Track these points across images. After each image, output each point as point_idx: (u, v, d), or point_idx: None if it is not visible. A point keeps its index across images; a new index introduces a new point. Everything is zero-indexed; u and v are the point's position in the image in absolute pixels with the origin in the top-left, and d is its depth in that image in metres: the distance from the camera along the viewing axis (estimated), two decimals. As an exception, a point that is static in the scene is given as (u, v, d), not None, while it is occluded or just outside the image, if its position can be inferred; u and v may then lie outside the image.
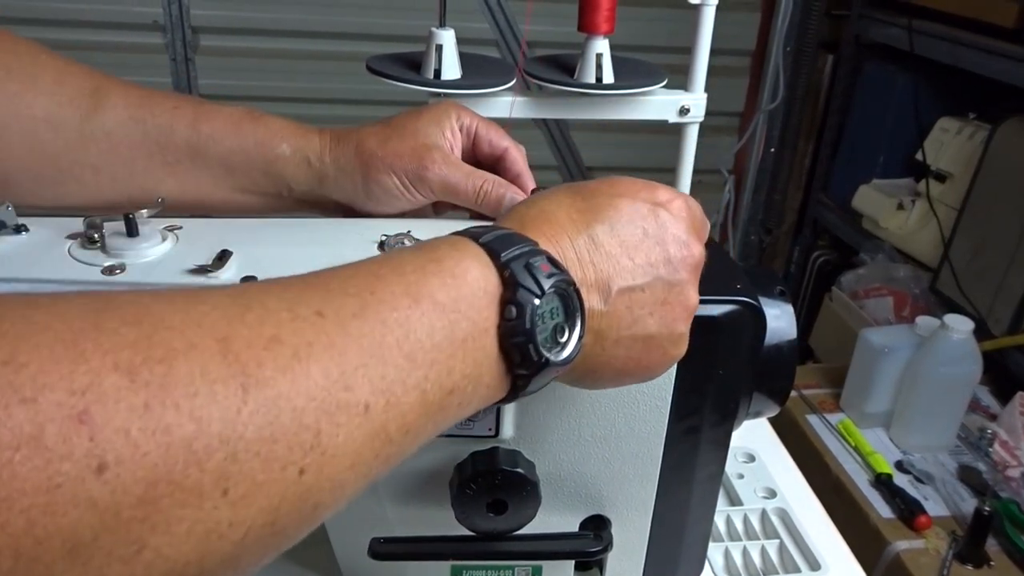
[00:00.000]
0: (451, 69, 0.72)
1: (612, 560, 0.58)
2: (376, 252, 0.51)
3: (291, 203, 0.57)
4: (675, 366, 0.49)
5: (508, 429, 0.50)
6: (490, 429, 0.50)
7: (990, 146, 1.71)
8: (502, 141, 0.58)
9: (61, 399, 0.22)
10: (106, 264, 0.49)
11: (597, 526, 0.55)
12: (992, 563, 1.22)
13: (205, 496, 0.24)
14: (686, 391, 0.50)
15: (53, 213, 0.54)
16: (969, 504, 1.32)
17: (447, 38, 0.71)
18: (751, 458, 0.80)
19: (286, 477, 0.26)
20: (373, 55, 0.75)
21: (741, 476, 0.77)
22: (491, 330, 0.34)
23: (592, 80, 0.73)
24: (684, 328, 0.41)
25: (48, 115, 0.51)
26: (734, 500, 0.75)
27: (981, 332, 1.51)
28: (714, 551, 0.69)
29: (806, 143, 2.35)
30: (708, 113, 0.78)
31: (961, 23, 1.74)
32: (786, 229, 2.45)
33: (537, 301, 0.34)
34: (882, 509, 1.33)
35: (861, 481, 1.39)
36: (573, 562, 0.59)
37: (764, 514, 0.73)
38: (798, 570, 0.67)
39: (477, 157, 0.59)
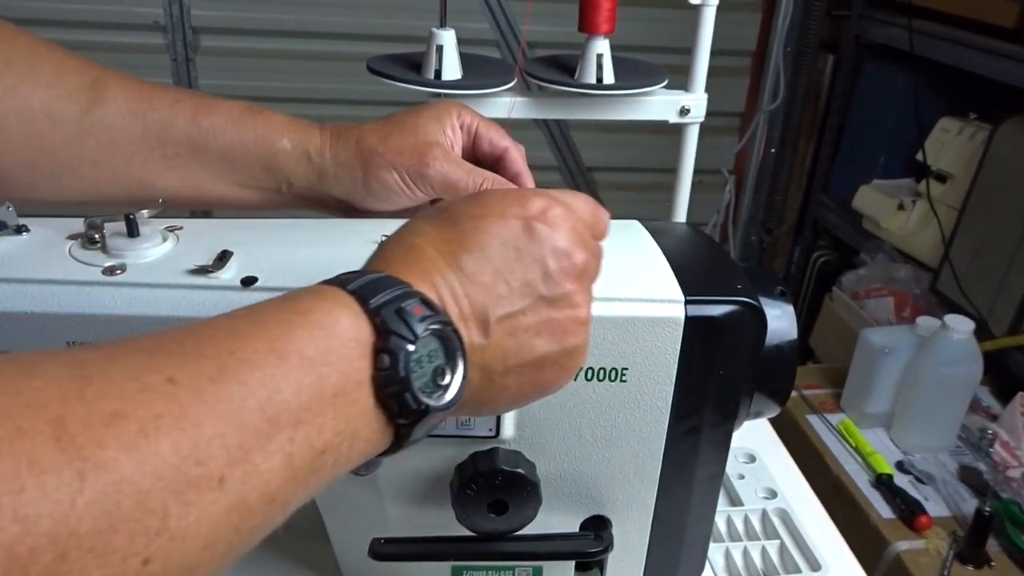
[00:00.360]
0: (451, 69, 0.72)
1: (613, 560, 0.58)
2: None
3: (291, 199, 0.57)
4: (676, 366, 0.49)
5: (509, 429, 0.50)
6: (490, 429, 0.50)
7: (991, 146, 1.71)
8: (502, 140, 0.58)
9: None
10: (106, 264, 0.49)
11: (598, 526, 0.55)
12: (993, 563, 1.22)
13: None
14: (687, 391, 0.50)
15: (51, 210, 0.54)
16: (970, 504, 1.32)
17: (447, 38, 0.71)
18: (752, 458, 0.80)
19: (127, 569, 0.24)
20: (373, 55, 0.75)
21: (742, 476, 0.77)
22: (365, 382, 0.32)
23: (592, 80, 0.73)
24: (578, 339, 0.39)
25: (47, 108, 0.50)
26: (735, 500, 0.75)
27: (982, 332, 1.51)
28: (715, 551, 0.69)
29: (807, 143, 2.35)
30: (708, 113, 0.78)
31: (961, 23, 1.74)
32: (786, 229, 2.45)
33: (411, 347, 0.32)
34: (883, 509, 1.33)
35: (862, 481, 1.39)
36: (573, 563, 0.59)
37: (765, 514, 0.73)
38: (799, 570, 0.67)
39: (477, 156, 0.59)
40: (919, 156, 1.91)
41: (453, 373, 0.34)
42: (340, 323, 0.32)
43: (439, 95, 0.72)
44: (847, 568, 0.68)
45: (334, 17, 2.07)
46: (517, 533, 0.52)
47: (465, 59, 0.73)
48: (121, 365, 0.27)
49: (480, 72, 0.74)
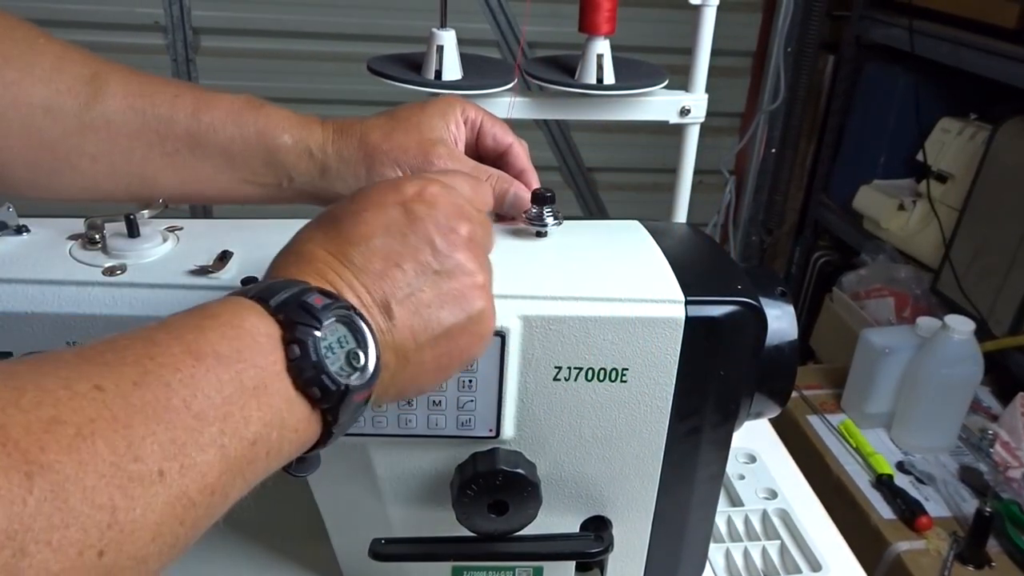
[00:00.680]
0: (452, 70, 0.72)
1: (613, 561, 0.58)
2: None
3: (292, 194, 0.57)
4: (676, 367, 0.49)
5: (509, 430, 0.50)
6: (491, 430, 0.50)
7: (991, 147, 1.71)
8: (506, 137, 0.58)
9: None
10: (107, 265, 0.49)
11: (598, 527, 0.55)
12: (993, 564, 1.22)
13: None
14: (687, 392, 0.50)
15: (52, 211, 0.54)
16: (970, 505, 1.32)
17: (448, 39, 0.71)
18: (752, 459, 0.80)
19: (84, 562, 0.25)
20: (374, 56, 0.75)
21: (742, 477, 0.77)
22: (281, 373, 0.33)
23: (593, 81, 0.73)
24: (480, 303, 0.40)
25: (46, 103, 0.50)
26: (735, 501, 0.75)
27: (982, 333, 1.51)
28: (715, 552, 0.69)
29: (807, 144, 2.35)
30: (709, 114, 0.78)
31: (962, 24, 1.74)
32: (787, 230, 2.45)
33: (318, 333, 0.33)
34: (883, 510, 1.33)
35: (862, 482, 1.39)
36: (574, 563, 0.59)
37: (765, 515, 0.73)
38: (799, 571, 0.67)
39: (480, 152, 0.58)
40: (919, 156, 1.91)
41: (366, 354, 0.36)
42: (247, 322, 0.33)
43: (439, 95, 0.72)
44: (847, 568, 0.68)
45: (334, 17, 2.07)
46: (517, 533, 0.52)
47: (465, 59, 0.74)
48: (51, 376, 0.28)
49: (480, 72, 0.74)
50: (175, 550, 0.29)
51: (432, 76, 0.71)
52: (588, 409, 0.50)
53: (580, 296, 0.48)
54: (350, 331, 0.35)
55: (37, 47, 0.50)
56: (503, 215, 0.56)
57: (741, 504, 0.74)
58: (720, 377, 0.50)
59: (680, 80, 0.78)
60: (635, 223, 0.58)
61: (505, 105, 0.74)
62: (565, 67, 0.76)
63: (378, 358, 0.36)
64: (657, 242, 0.55)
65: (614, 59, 0.73)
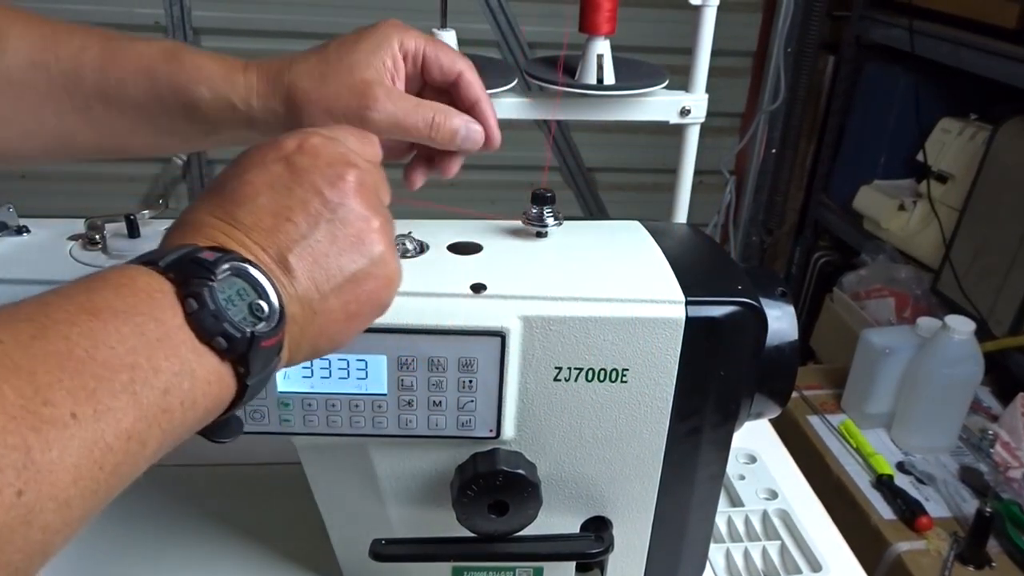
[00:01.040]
0: (452, 70, 0.72)
1: (613, 561, 0.58)
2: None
3: (226, 141, 0.54)
4: (676, 367, 0.49)
5: (509, 430, 0.50)
6: (491, 431, 0.50)
7: (991, 147, 1.71)
8: (455, 64, 0.54)
9: None
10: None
11: (598, 527, 0.55)
12: (993, 564, 1.22)
13: None
14: (687, 392, 0.50)
15: (51, 209, 0.54)
16: (970, 505, 1.32)
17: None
18: (752, 459, 0.80)
19: (4, 500, 0.26)
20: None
21: (742, 477, 0.77)
22: (183, 327, 0.33)
23: (593, 81, 0.73)
24: (381, 246, 0.40)
25: None
26: (735, 501, 0.75)
27: (982, 333, 1.51)
28: (715, 552, 0.69)
29: (807, 144, 2.35)
30: (709, 114, 0.78)
31: (962, 24, 1.74)
32: (787, 230, 2.44)
33: (212, 283, 0.33)
34: (883, 510, 1.33)
35: (862, 482, 1.39)
36: (574, 563, 0.59)
37: (765, 515, 0.73)
38: (799, 571, 0.67)
39: (427, 84, 0.55)
40: (920, 157, 1.91)
41: (269, 304, 0.35)
42: (138, 281, 0.33)
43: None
44: (848, 569, 0.68)
45: (335, 18, 2.07)
46: (518, 534, 0.52)
47: (466, 60, 0.73)
48: None
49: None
50: (97, 496, 0.30)
51: (432, 76, 0.71)
52: (588, 409, 0.50)
53: (580, 296, 0.48)
54: (248, 284, 0.35)
55: None
56: (458, 151, 0.54)
57: (741, 504, 0.74)
58: (720, 377, 0.50)
59: (680, 80, 0.78)
60: (635, 223, 0.58)
61: (505, 105, 0.74)
62: (565, 67, 0.76)
63: (282, 307, 0.36)
64: (657, 242, 0.55)
65: (614, 59, 0.73)
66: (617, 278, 0.50)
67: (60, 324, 0.30)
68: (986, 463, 1.39)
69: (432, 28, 0.71)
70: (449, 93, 0.55)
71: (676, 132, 0.80)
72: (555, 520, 0.55)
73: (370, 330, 0.46)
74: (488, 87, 0.72)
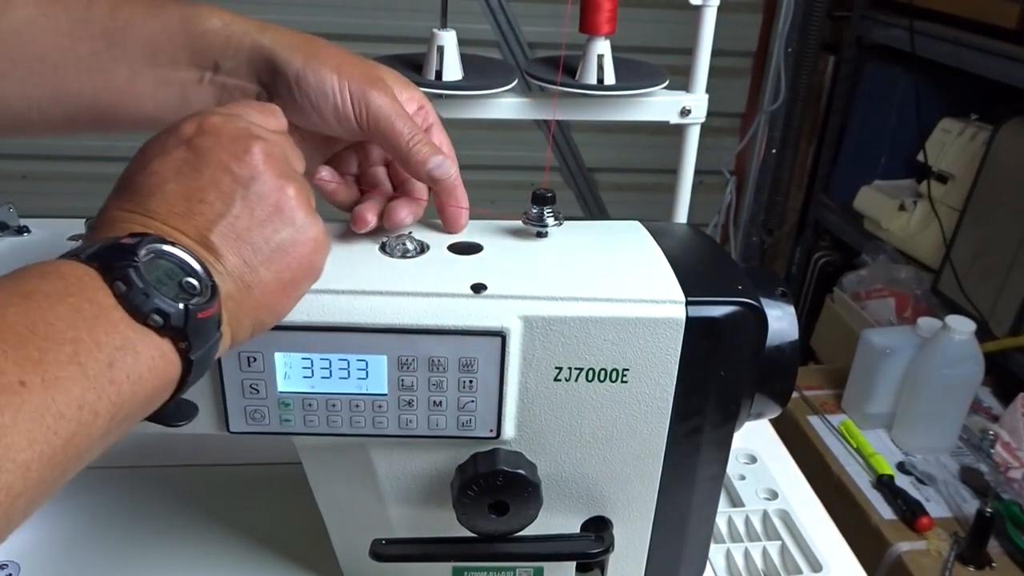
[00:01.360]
0: (453, 70, 0.72)
1: (613, 561, 0.58)
2: (378, 253, 0.51)
3: (208, 97, 0.51)
4: (677, 367, 0.49)
5: (510, 430, 0.50)
6: (491, 431, 0.50)
7: (992, 147, 1.71)
8: (445, 150, 0.55)
9: None
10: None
11: (599, 527, 0.55)
12: (994, 564, 1.22)
13: None
14: (688, 392, 0.50)
15: (51, 209, 0.54)
16: (971, 505, 1.32)
17: (449, 39, 0.71)
18: (752, 459, 0.80)
19: None
20: (375, 56, 0.75)
21: (743, 477, 0.77)
22: (117, 307, 0.33)
23: (593, 81, 0.73)
24: (301, 212, 0.41)
25: None
26: (736, 501, 0.75)
27: (983, 333, 1.51)
28: (716, 552, 0.69)
29: (807, 144, 2.35)
30: (709, 114, 0.78)
31: (962, 24, 1.74)
32: (787, 230, 2.44)
33: (137, 264, 0.34)
34: (884, 510, 1.33)
35: (863, 482, 1.39)
36: (574, 563, 0.59)
37: (766, 515, 0.73)
38: (800, 571, 0.67)
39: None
40: (920, 157, 1.91)
41: (199, 279, 0.36)
42: (63, 269, 0.34)
43: (441, 96, 0.72)
44: (848, 569, 0.68)
45: (335, 18, 2.07)
46: (518, 534, 0.52)
47: (466, 60, 0.74)
48: None
49: (481, 73, 0.74)
50: (55, 463, 0.31)
51: (433, 77, 0.71)
52: (589, 409, 0.50)
53: (581, 296, 0.48)
54: (174, 264, 0.36)
55: None
56: (411, 195, 0.53)
57: (742, 504, 0.74)
58: (721, 377, 0.50)
59: (681, 80, 0.78)
60: (636, 223, 0.58)
61: (506, 105, 0.74)
62: (566, 67, 0.76)
63: (213, 281, 0.37)
64: (658, 242, 0.55)
65: (615, 59, 0.73)
66: (617, 278, 0.50)
67: None
68: (986, 463, 1.39)
69: (432, 28, 0.71)
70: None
71: (676, 132, 0.80)
72: (555, 520, 0.55)
73: (370, 330, 0.47)
74: (488, 87, 0.73)
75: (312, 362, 0.47)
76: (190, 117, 0.41)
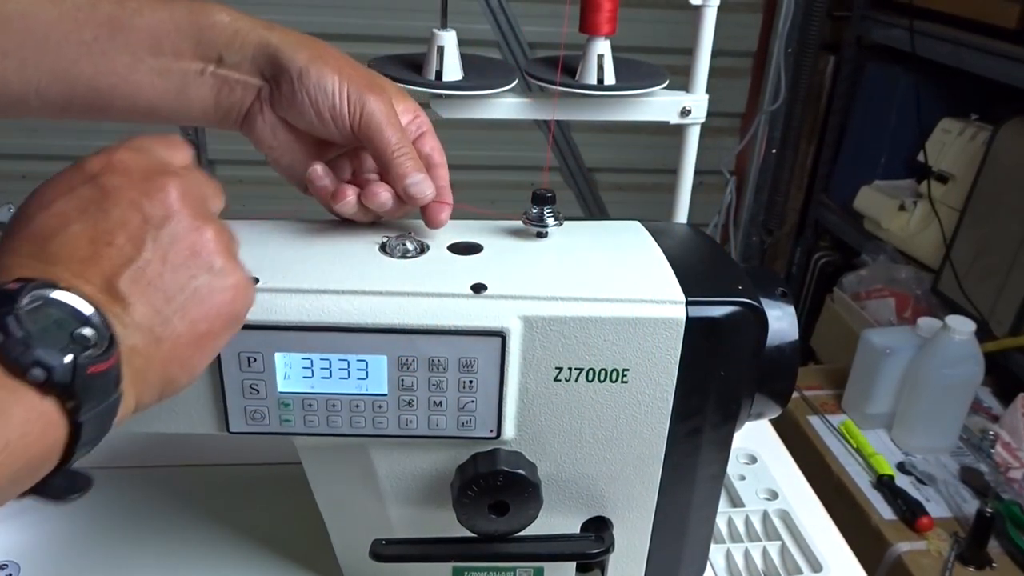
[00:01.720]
0: (453, 70, 0.72)
1: (614, 561, 0.58)
2: (378, 254, 0.51)
3: (208, 90, 0.51)
4: (677, 367, 0.49)
5: (510, 431, 0.50)
6: (492, 431, 0.50)
7: (992, 147, 1.71)
8: (438, 158, 0.56)
9: None
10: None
11: (599, 527, 0.55)
12: (994, 564, 1.22)
13: None
14: (688, 392, 0.50)
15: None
16: (971, 505, 1.31)
17: (449, 39, 0.71)
18: (753, 459, 0.80)
19: None
20: (375, 56, 0.75)
21: (743, 477, 0.77)
22: None
23: (593, 81, 0.73)
24: (220, 258, 0.38)
25: None
26: (736, 501, 0.75)
27: (983, 333, 1.51)
28: (716, 552, 0.69)
29: (807, 144, 2.35)
30: (709, 114, 0.78)
31: (963, 24, 1.74)
32: (787, 230, 2.44)
33: (19, 313, 0.31)
34: (884, 510, 1.33)
35: (863, 482, 1.39)
36: (575, 564, 0.59)
37: (766, 515, 0.73)
38: (800, 571, 0.67)
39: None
40: (920, 157, 1.91)
41: (94, 329, 0.33)
42: None
43: (440, 96, 0.72)
44: (848, 569, 0.68)
45: (335, 18, 2.07)
46: (518, 534, 0.52)
47: (466, 60, 0.74)
48: None
49: (481, 73, 0.74)
50: None
51: (433, 77, 0.71)
52: (589, 410, 0.50)
53: (581, 297, 0.48)
54: (66, 313, 0.32)
55: None
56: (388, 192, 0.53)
57: (742, 505, 0.74)
58: (721, 378, 0.50)
59: (681, 80, 0.78)
60: (636, 224, 0.58)
61: (506, 106, 0.74)
62: (566, 67, 0.76)
63: (111, 331, 0.33)
64: (658, 242, 0.55)
65: (615, 59, 0.73)
66: (617, 278, 0.50)
67: None
68: (987, 463, 1.39)
69: (432, 28, 0.71)
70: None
71: (676, 132, 0.80)
72: (555, 520, 0.55)
73: (370, 330, 0.47)
74: (488, 87, 0.73)
75: (312, 362, 0.47)
76: (96, 153, 0.38)
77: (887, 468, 1.39)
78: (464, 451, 0.51)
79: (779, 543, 0.70)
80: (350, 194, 0.52)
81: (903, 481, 1.38)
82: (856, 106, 2.12)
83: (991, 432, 1.43)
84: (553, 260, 0.52)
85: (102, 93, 0.50)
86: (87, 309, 0.33)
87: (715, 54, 0.78)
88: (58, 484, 0.35)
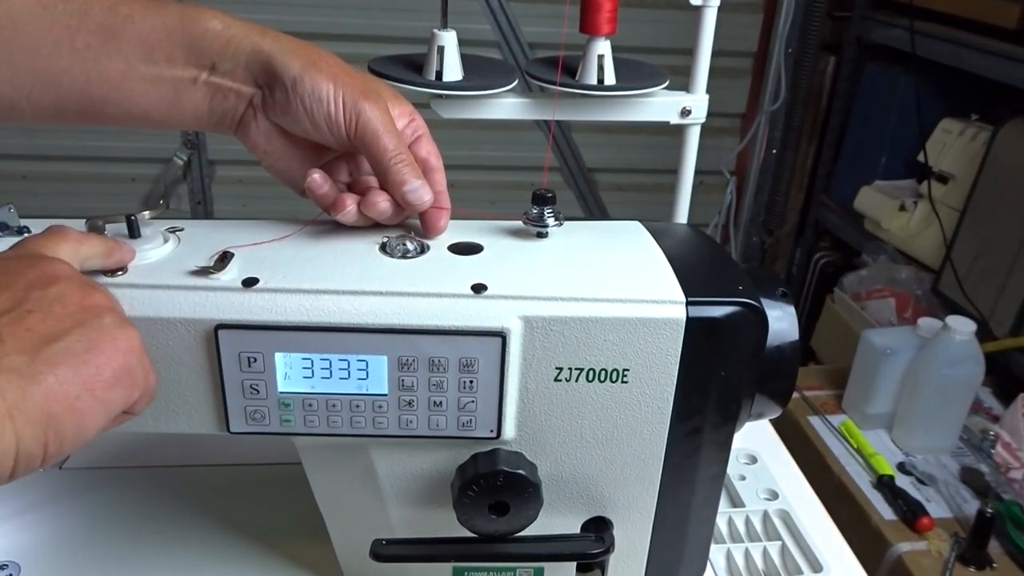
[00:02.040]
0: (453, 71, 0.72)
1: (614, 562, 0.58)
2: (378, 254, 0.51)
3: (201, 97, 0.51)
4: (677, 367, 0.49)
5: (510, 431, 0.50)
6: (492, 431, 0.50)
7: (992, 147, 1.71)
8: (434, 162, 0.56)
9: None
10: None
11: (599, 528, 0.55)
12: (995, 565, 1.22)
13: None
14: (688, 393, 0.50)
15: (52, 210, 0.54)
16: (971, 506, 1.31)
17: (449, 40, 0.71)
18: (753, 459, 0.80)
19: None
20: (375, 56, 0.75)
21: (743, 478, 0.77)
22: None
23: (594, 81, 0.73)
24: (109, 315, 0.40)
25: None
26: (736, 502, 0.75)
27: (983, 333, 1.51)
28: (716, 553, 0.69)
29: (808, 144, 2.35)
30: (710, 114, 0.78)
31: (963, 24, 1.74)
32: (788, 230, 2.44)
33: None
34: (884, 511, 1.33)
35: (863, 483, 1.39)
36: (575, 564, 0.59)
37: (766, 516, 0.73)
38: (800, 572, 0.67)
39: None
40: (920, 157, 1.91)
41: None
42: None
43: (441, 96, 0.72)
44: (848, 569, 0.68)
45: (335, 18, 2.07)
46: (518, 534, 0.52)
47: (466, 60, 0.74)
48: None
49: (482, 73, 0.74)
50: None
51: (433, 77, 0.71)
52: (589, 410, 0.50)
53: (581, 297, 0.48)
54: None
55: None
56: (386, 198, 0.53)
57: (742, 505, 0.74)
58: (721, 378, 0.50)
59: (681, 81, 0.78)
60: (636, 224, 0.58)
61: (506, 106, 0.74)
62: (566, 68, 0.76)
63: None
64: (658, 243, 0.55)
65: (615, 60, 0.73)
66: (618, 278, 0.50)
67: None
68: (987, 464, 1.39)
69: (433, 28, 0.71)
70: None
71: (677, 132, 0.80)
72: (556, 520, 0.55)
73: (370, 330, 0.47)
74: (488, 87, 0.73)
75: (312, 362, 0.47)
76: None
77: (887, 468, 1.39)
78: (464, 451, 0.51)
79: (779, 543, 0.70)
80: (350, 203, 0.52)
81: (903, 481, 1.38)
82: (856, 106, 2.12)
83: (991, 432, 1.43)
84: (553, 260, 0.52)
85: (95, 100, 0.50)
86: None
87: (715, 54, 0.78)
88: None
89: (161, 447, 0.75)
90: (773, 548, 0.70)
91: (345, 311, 0.46)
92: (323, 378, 0.48)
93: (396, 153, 0.51)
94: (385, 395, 0.48)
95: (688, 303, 0.48)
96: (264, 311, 0.46)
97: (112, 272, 0.48)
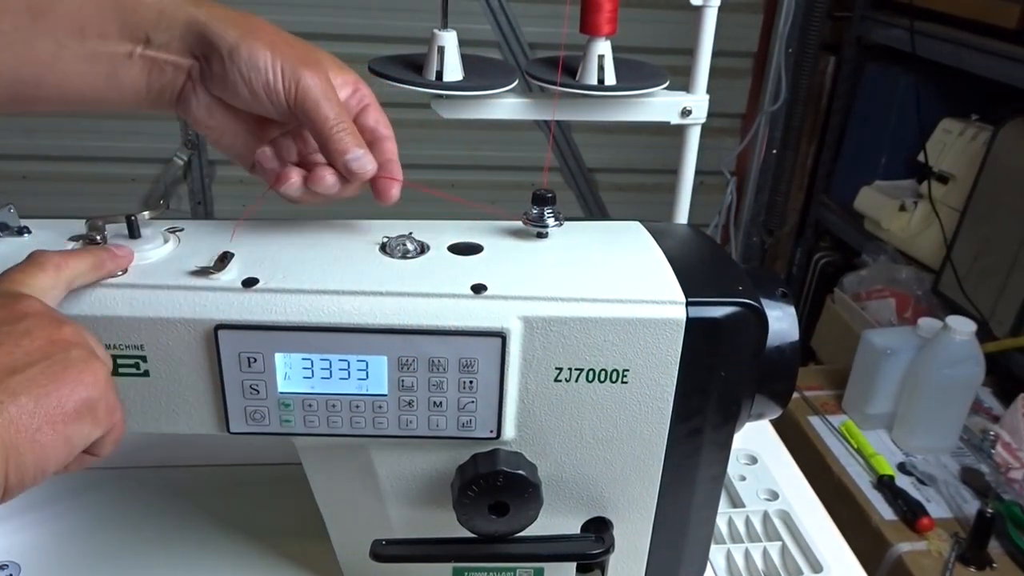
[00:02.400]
0: (453, 71, 0.72)
1: (614, 562, 0.58)
2: (378, 254, 0.51)
3: (138, 72, 0.50)
4: (677, 368, 0.49)
5: (510, 431, 0.50)
6: (492, 431, 0.50)
7: (992, 147, 1.71)
8: (383, 129, 0.54)
9: None
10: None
11: (599, 528, 0.55)
12: (995, 565, 1.22)
13: None
14: (688, 393, 0.50)
15: (52, 210, 0.53)
16: (971, 506, 1.31)
17: (449, 40, 0.71)
18: (753, 460, 0.80)
19: None
20: (375, 57, 0.75)
21: (743, 478, 0.77)
22: None
23: (594, 81, 0.73)
24: (77, 349, 0.40)
25: None
26: (736, 502, 0.75)
27: (983, 334, 1.51)
28: (716, 553, 0.69)
29: (808, 144, 2.35)
30: (710, 115, 0.78)
31: (963, 24, 1.74)
32: (788, 231, 2.44)
33: None
34: (884, 511, 1.33)
35: (863, 483, 1.39)
36: (575, 564, 0.59)
37: (766, 516, 0.73)
38: (800, 572, 0.67)
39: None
40: (921, 157, 1.91)
41: None
42: None
43: (441, 96, 0.72)
44: (849, 569, 0.68)
45: (335, 18, 2.07)
46: (518, 535, 0.52)
47: (467, 60, 0.73)
48: None
49: (482, 73, 0.74)
50: None
51: (433, 77, 0.71)
52: (589, 410, 0.50)
53: (581, 297, 0.48)
54: None
55: None
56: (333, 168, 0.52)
57: (742, 505, 0.74)
58: (721, 378, 0.50)
59: (681, 81, 0.78)
60: (636, 224, 0.58)
61: (506, 106, 0.74)
62: (566, 68, 0.76)
63: None
64: (658, 243, 0.55)
65: (615, 60, 0.73)
66: (618, 279, 0.50)
67: None
68: (987, 464, 1.39)
69: (433, 28, 0.71)
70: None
71: (677, 133, 0.80)
72: (556, 521, 0.55)
73: (370, 330, 0.47)
74: (488, 87, 0.73)
75: (312, 363, 0.47)
76: None
77: (887, 468, 1.39)
78: (464, 451, 0.51)
79: (779, 543, 0.70)
80: (294, 176, 0.50)
81: (903, 481, 1.38)
82: (856, 106, 2.12)
83: (991, 432, 1.43)
84: (553, 260, 0.52)
85: (27, 84, 0.49)
86: None
87: (715, 54, 0.78)
88: None
89: (161, 447, 0.75)
90: (773, 548, 0.70)
91: (345, 311, 0.46)
92: (323, 378, 0.48)
93: (337, 121, 0.50)
94: (385, 395, 0.48)
95: (688, 303, 0.48)
96: (264, 311, 0.46)
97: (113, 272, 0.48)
